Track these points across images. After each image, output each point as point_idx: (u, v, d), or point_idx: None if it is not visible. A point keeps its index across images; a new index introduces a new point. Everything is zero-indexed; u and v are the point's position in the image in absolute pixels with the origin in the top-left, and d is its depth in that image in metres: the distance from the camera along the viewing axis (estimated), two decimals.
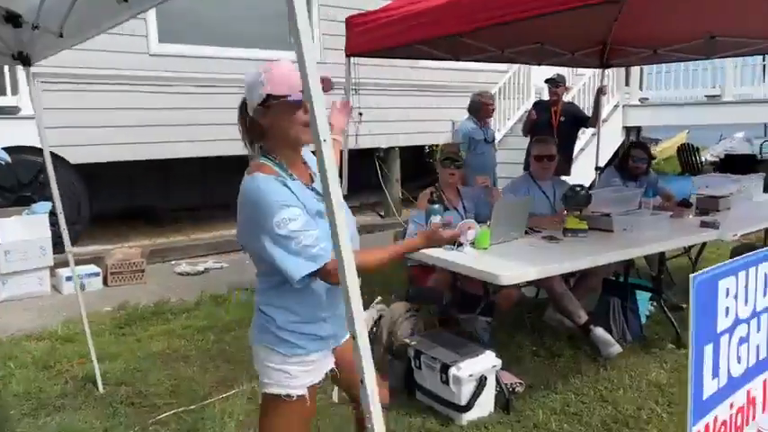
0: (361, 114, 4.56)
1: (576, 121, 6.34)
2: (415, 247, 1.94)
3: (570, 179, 7.43)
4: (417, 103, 8.84)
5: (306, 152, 1.91)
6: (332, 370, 1.92)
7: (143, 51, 6.81)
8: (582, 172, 8.36)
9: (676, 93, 10.28)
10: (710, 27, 5.13)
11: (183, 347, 4.13)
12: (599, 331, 3.86)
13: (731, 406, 1.46)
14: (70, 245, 3.61)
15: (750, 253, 1.50)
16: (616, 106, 9.28)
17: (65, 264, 5.65)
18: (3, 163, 5.23)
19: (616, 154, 9.93)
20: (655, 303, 4.67)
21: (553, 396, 3.29)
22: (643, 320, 4.28)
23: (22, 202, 5.89)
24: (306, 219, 1.69)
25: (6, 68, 6.01)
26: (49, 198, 6.14)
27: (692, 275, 1.34)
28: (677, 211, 4.44)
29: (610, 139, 9.23)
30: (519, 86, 9.86)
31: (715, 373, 1.38)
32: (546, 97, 6.69)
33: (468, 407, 2.96)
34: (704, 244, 4.60)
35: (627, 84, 10.18)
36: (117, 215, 7.91)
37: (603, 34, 5.64)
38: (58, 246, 6.18)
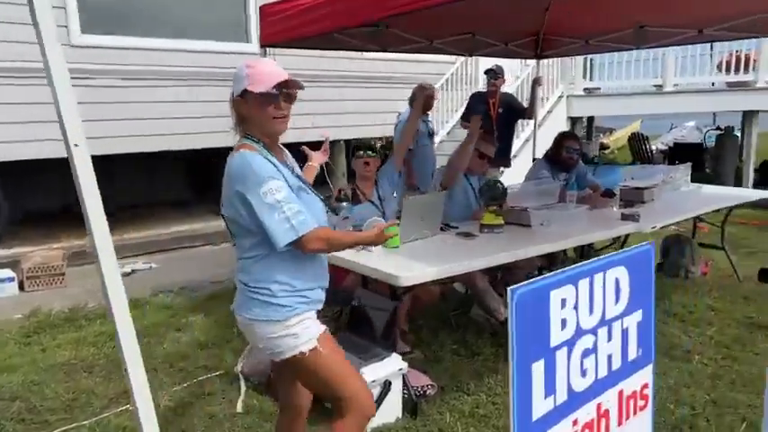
0: None
1: (514, 112, 6.27)
2: (368, 240, 2.15)
3: (513, 171, 7.44)
4: (364, 95, 8.68)
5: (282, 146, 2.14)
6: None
7: (64, 43, 6.48)
8: (527, 164, 8.35)
9: (626, 83, 10.33)
10: (639, 17, 5.10)
11: (90, 356, 3.91)
12: None
13: (575, 422, 1.35)
14: None
15: (593, 260, 1.40)
16: (560, 97, 9.28)
17: None
18: None
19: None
20: None
21: (465, 398, 3.20)
22: None
23: None
24: (288, 192, 1.89)
25: None
26: None
27: (510, 288, 1.22)
28: (601, 202, 4.41)
29: (554, 129, 9.19)
30: (467, 77, 9.78)
31: (550, 391, 1.28)
32: (483, 89, 6.61)
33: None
34: (627, 236, 4.57)
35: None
36: (49, 215, 7.57)
37: (536, 25, 5.58)
38: None
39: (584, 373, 1.36)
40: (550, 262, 4.24)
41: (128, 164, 7.46)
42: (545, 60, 8.93)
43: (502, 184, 3.66)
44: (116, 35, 6.74)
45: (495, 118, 6.08)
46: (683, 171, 5.03)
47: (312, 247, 1.91)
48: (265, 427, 2.95)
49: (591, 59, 10.91)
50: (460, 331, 4.08)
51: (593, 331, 1.38)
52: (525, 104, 6.54)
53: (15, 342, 4.17)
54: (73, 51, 6.53)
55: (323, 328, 2.05)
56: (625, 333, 1.48)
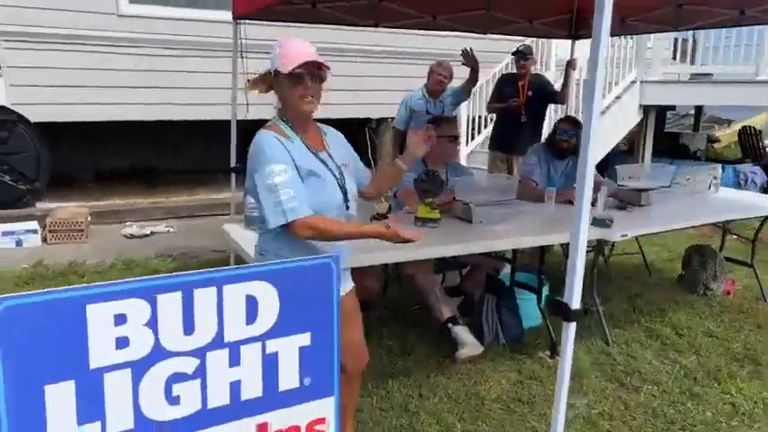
0: (249, 81, 4.27)
1: (546, 96, 5.77)
2: (373, 233, 2.08)
3: None
4: (409, 71, 8.39)
5: (329, 128, 2.23)
6: None
7: (111, 12, 6.82)
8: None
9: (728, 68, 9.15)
10: None
11: None
12: (457, 330, 3.51)
13: None
14: None
15: (199, 272, 1.19)
16: (633, 82, 8.42)
17: (12, 220, 5.91)
18: None
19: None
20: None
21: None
22: (537, 322, 3.87)
23: None
24: (289, 176, 1.92)
25: None
26: (12, 153, 6.44)
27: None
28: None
29: (621, 118, 8.43)
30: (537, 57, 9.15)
31: (91, 416, 1.10)
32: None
33: None
34: (612, 244, 4.08)
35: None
36: (94, 176, 8.12)
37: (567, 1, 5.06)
38: (20, 202, 6.51)
39: (174, 400, 1.17)
40: (511, 262, 3.88)
41: (185, 131, 7.76)
42: (617, 40, 8.20)
43: (439, 175, 3.35)
44: (162, 5, 6.97)
45: (524, 102, 5.62)
46: (708, 173, 4.38)
47: (301, 234, 1.94)
48: None
49: (694, 41, 9.84)
50: (416, 327, 3.86)
51: (196, 354, 1.19)
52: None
53: None
54: (121, 21, 6.86)
55: None
56: (271, 358, 1.26)
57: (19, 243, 5.60)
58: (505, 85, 5.76)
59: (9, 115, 6.30)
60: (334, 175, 2.11)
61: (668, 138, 12.85)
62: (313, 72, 1.98)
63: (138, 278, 1.13)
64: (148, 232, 6.25)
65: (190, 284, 1.17)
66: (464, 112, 8.26)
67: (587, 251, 3.98)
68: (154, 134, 7.88)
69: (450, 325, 3.53)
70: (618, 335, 3.84)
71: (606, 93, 8.22)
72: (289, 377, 1.30)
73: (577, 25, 5.42)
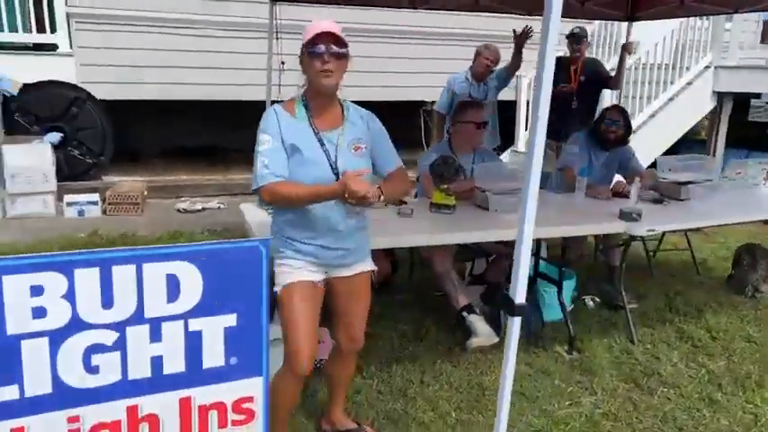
0: (283, 63, 4.30)
1: (598, 81, 5.51)
2: (329, 193, 2.02)
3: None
4: (463, 53, 8.21)
5: (357, 109, 2.25)
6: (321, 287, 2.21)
7: None
8: (649, 144, 7.33)
9: None
10: None
11: None
12: (471, 318, 3.47)
13: (73, 419, 1.24)
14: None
15: (119, 249, 1.23)
16: (707, 67, 7.88)
17: (77, 191, 6.32)
18: (7, 94, 5.83)
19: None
20: (596, 298, 4.11)
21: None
22: (560, 315, 3.77)
23: (56, 131, 6.57)
24: (270, 146, 2.05)
25: (46, 8, 6.61)
26: (81, 129, 6.85)
27: None
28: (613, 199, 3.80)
29: (692, 106, 7.94)
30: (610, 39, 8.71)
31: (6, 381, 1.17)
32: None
33: None
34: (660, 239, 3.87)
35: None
36: (160, 153, 8.50)
37: None
38: (87, 174, 6.94)
39: (93, 370, 1.23)
40: (536, 251, 3.78)
41: (245, 110, 7.99)
42: (692, 21, 7.68)
43: (455, 161, 3.30)
44: None
45: (576, 86, 5.40)
46: (761, 166, 4.07)
47: (264, 199, 2.08)
48: None
49: None
50: (434, 313, 3.85)
51: (115, 327, 1.24)
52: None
53: None
54: (183, 2, 7.11)
55: (297, 280, 2.14)
56: (194, 336, 1.30)
57: (81, 213, 5.99)
58: (557, 68, 5.52)
59: (79, 93, 6.69)
60: (327, 155, 2.12)
61: (753, 127, 12.01)
62: (330, 47, 2.01)
63: (56, 253, 1.20)
64: (200, 208, 6.52)
65: (108, 261, 1.23)
66: (524, 96, 8.04)
67: (620, 245, 3.84)
68: (218, 113, 8.16)
69: (464, 313, 3.49)
70: (646, 334, 3.68)
71: (676, 78, 7.78)
72: (213, 355, 1.35)
73: (634, 6, 5.15)
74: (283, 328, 2.15)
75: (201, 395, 1.36)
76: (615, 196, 3.88)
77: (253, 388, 1.41)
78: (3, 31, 6.57)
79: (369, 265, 2.33)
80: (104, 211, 6.14)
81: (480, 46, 5.31)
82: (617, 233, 3.55)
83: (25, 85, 6.39)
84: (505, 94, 7.78)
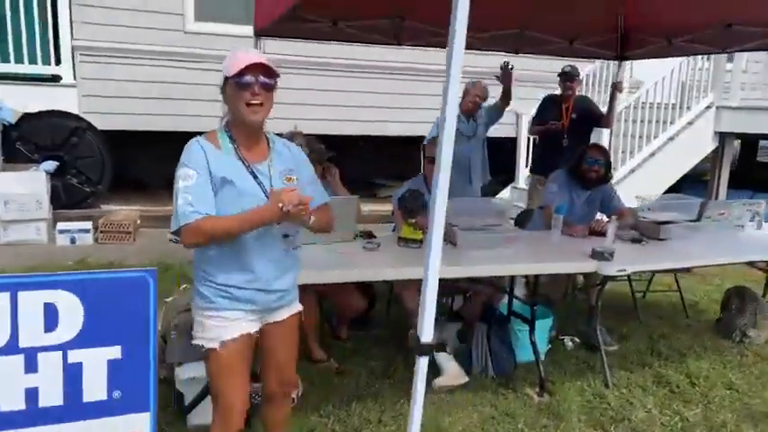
0: None
1: (590, 119, 5.49)
2: (264, 216, 1.93)
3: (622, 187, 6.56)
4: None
5: (284, 143, 2.18)
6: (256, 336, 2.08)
7: (178, 29, 7.25)
8: (648, 182, 7.25)
9: None
10: (723, 12, 4.16)
11: None
12: (440, 357, 3.40)
13: None
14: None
15: None
16: (708, 107, 7.82)
17: (72, 219, 6.38)
18: (6, 123, 5.95)
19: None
20: (575, 339, 4.00)
21: (311, 419, 2.96)
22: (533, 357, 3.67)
23: (55, 159, 6.68)
24: (194, 182, 1.89)
25: (52, 41, 6.80)
26: (80, 158, 6.96)
27: None
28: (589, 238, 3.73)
29: (694, 145, 7.86)
30: (609, 79, 8.73)
31: None
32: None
33: (190, 410, 2.79)
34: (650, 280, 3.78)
35: None
36: (164, 182, 8.56)
37: (608, 19, 4.83)
38: (85, 202, 7.01)
39: None
40: (509, 290, 3.71)
41: None
42: (692, 61, 7.65)
43: (422, 195, 3.27)
44: (222, 23, 7.32)
45: (567, 124, 5.39)
46: (746, 208, 3.98)
47: (188, 241, 1.90)
48: None
49: None
50: (401, 351, 3.77)
51: None
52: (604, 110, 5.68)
53: None
54: (186, 37, 7.28)
55: (238, 335, 1.99)
56: (75, 367, 1.26)
57: (73, 241, 6.03)
58: (549, 106, 5.53)
59: (80, 123, 6.83)
60: (262, 187, 2.01)
61: (762, 169, 11.85)
62: (260, 77, 1.92)
63: None
64: None
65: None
66: (524, 133, 8.02)
67: (596, 284, 3.75)
68: None
69: (433, 351, 3.41)
70: (622, 377, 3.56)
71: (677, 117, 7.73)
72: (95, 389, 1.31)
73: (625, 46, 5.15)
74: (214, 384, 2.03)
75: (82, 430, 1.32)
76: (593, 235, 3.81)
77: (139, 423, 1.37)
78: (9, 62, 6.76)
79: (298, 307, 2.24)
80: (96, 240, 6.18)
81: (468, 83, 5.33)
82: (595, 272, 3.48)
83: (27, 115, 6.54)
84: (506, 131, 7.83)
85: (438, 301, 4.12)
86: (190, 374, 2.75)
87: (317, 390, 3.23)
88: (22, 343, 1.28)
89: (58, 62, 6.86)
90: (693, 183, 9.03)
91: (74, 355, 1.31)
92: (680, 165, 7.76)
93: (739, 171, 11.39)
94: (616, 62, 7.44)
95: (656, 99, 7.75)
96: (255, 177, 2.02)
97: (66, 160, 6.77)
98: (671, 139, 7.71)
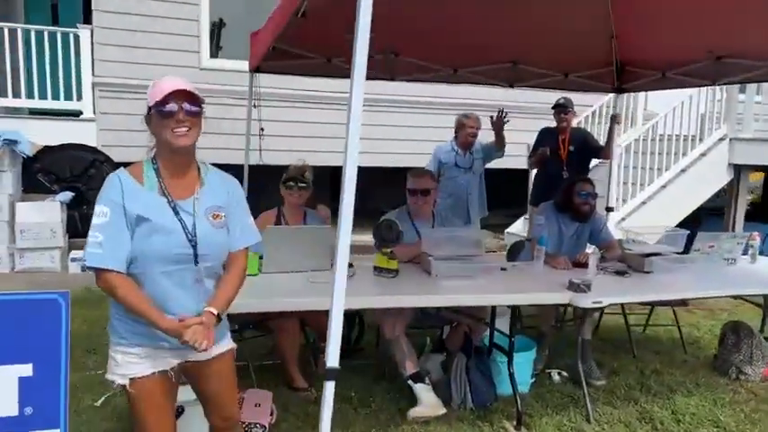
0: (262, 130, 4.49)
1: (588, 150, 5.49)
2: (157, 324, 1.89)
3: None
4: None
5: (221, 176, 2.12)
6: (170, 372, 2.01)
7: (195, 65, 7.55)
8: (658, 215, 7.15)
9: None
10: (711, 44, 4.17)
11: (88, 332, 4.52)
12: (417, 387, 3.39)
13: None
14: None
15: None
16: (721, 139, 7.71)
17: (81, 248, 6.59)
18: (24, 155, 6.24)
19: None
20: (562, 372, 3.95)
21: None
22: (522, 388, 3.63)
23: (74, 191, 6.94)
24: (107, 220, 1.84)
25: (74, 78, 7.14)
26: (97, 189, 7.20)
27: None
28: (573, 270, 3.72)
29: (707, 177, 7.74)
30: (622, 111, 8.71)
31: None
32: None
33: None
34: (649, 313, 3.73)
35: None
36: None
37: (602, 51, 4.87)
38: None
39: None
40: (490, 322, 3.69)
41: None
42: (708, 93, 7.59)
43: (397, 225, 3.31)
44: (233, 59, 7.58)
45: (564, 156, 5.40)
46: (737, 241, 3.91)
47: (100, 285, 1.88)
48: None
49: None
50: (382, 382, 3.78)
51: None
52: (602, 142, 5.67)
53: None
54: (201, 73, 7.57)
55: (149, 372, 1.95)
56: None
57: (83, 269, 6.21)
58: (545, 139, 5.54)
59: (97, 155, 7.11)
60: (184, 226, 1.94)
61: None
62: (183, 104, 1.91)
63: None
64: None
65: None
66: None
67: (578, 317, 3.72)
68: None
69: (410, 382, 3.42)
70: (606, 413, 3.48)
71: (689, 149, 7.64)
72: (6, 404, 1.38)
73: (620, 78, 5.17)
74: (134, 419, 1.99)
75: None
76: (577, 267, 3.79)
77: None
78: (33, 98, 7.12)
79: (228, 344, 2.16)
80: None
81: (461, 116, 5.41)
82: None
83: (48, 148, 6.84)
84: (518, 163, 7.82)
85: (425, 332, 4.16)
86: None
87: (291, 417, 3.26)
88: None
89: (79, 98, 7.20)
90: (710, 216, 8.87)
91: None
92: (693, 197, 7.65)
93: (764, 203, 11.13)
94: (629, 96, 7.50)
95: (668, 131, 7.70)
96: (177, 213, 1.95)
97: (84, 191, 7.03)
98: (683, 171, 7.62)
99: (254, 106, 4.44)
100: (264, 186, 4.41)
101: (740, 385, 3.90)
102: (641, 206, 7.41)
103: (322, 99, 7.57)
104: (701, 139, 7.68)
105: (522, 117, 8.20)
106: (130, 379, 1.92)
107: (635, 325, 4.87)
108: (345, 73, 4.61)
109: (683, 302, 4.41)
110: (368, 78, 4.99)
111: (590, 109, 8.37)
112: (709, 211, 9.00)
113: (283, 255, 3.24)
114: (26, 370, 1.41)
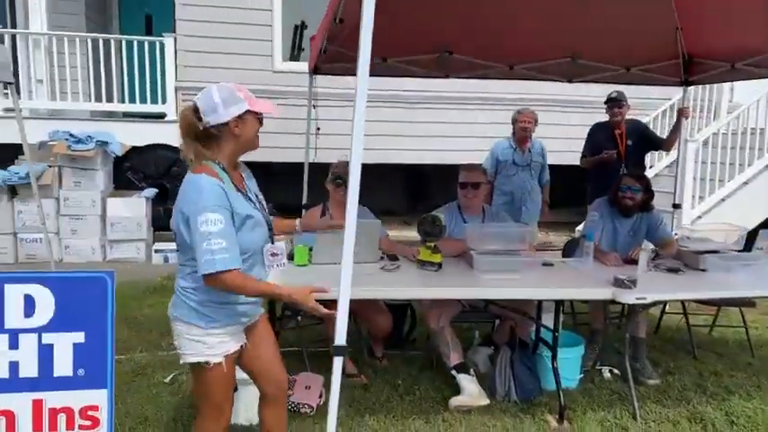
0: (318, 129, 4.66)
1: (647, 143, 5.33)
2: (280, 295, 2.19)
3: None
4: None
5: (244, 167, 2.33)
6: (245, 344, 2.27)
7: (268, 69, 7.92)
8: (738, 214, 6.80)
9: None
10: None
11: (150, 316, 4.92)
12: (460, 377, 3.49)
13: None
14: None
15: None
16: None
17: (167, 240, 7.10)
18: (113, 155, 6.79)
19: None
20: (614, 369, 3.92)
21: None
22: (569, 384, 3.65)
23: (159, 187, 7.50)
24: (224, 226, 1.99)
25: (159, 82, 7.69)
26: (179, 185, 7.71)
27: None
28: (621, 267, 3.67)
29: None
30: (704, 103, 8.35)
31: None
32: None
33: None
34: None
35: None
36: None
37: (667, 45, 4.74)
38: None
39: None
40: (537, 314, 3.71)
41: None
42: None
43: (440, 220, 3.40)
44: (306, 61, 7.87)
45: (623, 151, 5.25)
46: None
47: (221, 284, 2.01)
48: None
49: None
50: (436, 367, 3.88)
51: None
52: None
53: (126, 296, 5.43)
54: (275, 76, 7.93)
55: (236, 347, 2.20)
56: (47, 348, 1.56)
57: (166, 259, 6.73)
58: (599, 134, 5.34)
59: (180, 155, 7.61)
60: (262, 213, 2.22)
61: None
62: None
63: None
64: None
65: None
66: None
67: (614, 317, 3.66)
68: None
69: (454, 372, 3.52)
70: (654, 411, 3.43)
71: (756, 157, 7.17)
72: (63, 366, 1.61)
73: (688, 71, 4.99)
74: (212, 395, 2.18)
75: (52, 399, 1.63)
76: (629, 263, 3.74)
77: (98, 398, 1.66)
78: (124, 102, 7.75)
79: (260, 308, 2.38)
80: None
81: (514, 112, 5.39)
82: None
83: (137, 148, 7.42)
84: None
85: (475, 326, 4.21)
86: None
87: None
88: (7, 325, 1.62)
89: (164, 101, 7.74)
90: None
91: (47, 338, 1.63)
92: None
93: None
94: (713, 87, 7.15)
95: (752, 124, 7.30)
96: (252, 202, 2.19)
97: (169, 188, 7.57)
98: (767, 167, 7.19)
99: (314, 107, 4.65)
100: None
101: None
102: (720, 203, 7.07)
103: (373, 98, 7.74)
104: None
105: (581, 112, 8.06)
106: (225, 356, 2.14)
107: (701, 325, 4.71)
108: (401, 72, 4.82)
109: (751, 303, 4.23)
110: (422, 77, 5.12)
111: (668, 102, 8.05)
112: None
113: (332, 247, 3.40)
114: (79, 337, 1.66)
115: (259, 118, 2.17)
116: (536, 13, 4.20)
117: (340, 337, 1.73)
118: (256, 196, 2.29)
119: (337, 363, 1.79)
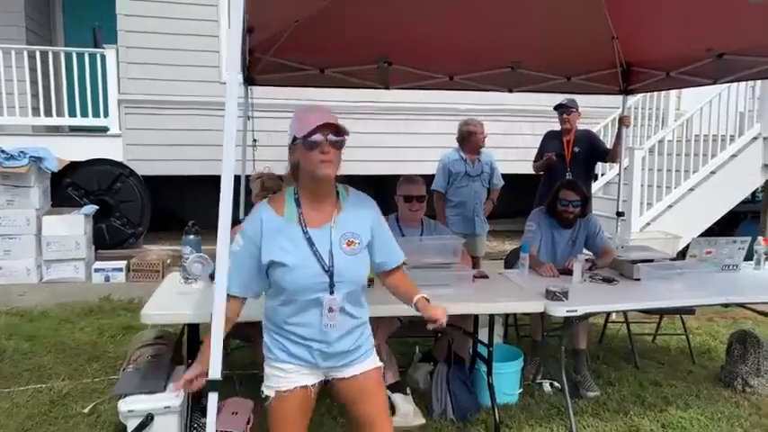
0: (255, 141, 4.54)
1: (594, 152, 5.33)
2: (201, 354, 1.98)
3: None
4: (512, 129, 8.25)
5: (355, 197, 2.14)
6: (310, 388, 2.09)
7: (215, 80, 7.75)
8: (689, 221, 6.88)
9: None
10: (711, 41, 4.02)
11: (94, 343, 4.67)
12: (395, 396, 3.37)
13: None
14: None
15: None
16: (755, 138, 7.33)
17: (108, 258, 6.86)
18: (48, 171, 6.53)
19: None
20: (554, 383, 3.85)
21: None
22: (509, 399, 3.57)
23: (101, 203, 7.23)
24: (239, 250, 1.99)
25: (101, 95, 7.45)
26: (123, 202, 7.47)
27: None
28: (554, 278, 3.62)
29: (740, 177, 7.38)
30: (653, 111, 8.44)
31: None
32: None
33: None
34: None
35: None
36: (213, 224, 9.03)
37: (605, 55, 4.74)
38: (126, 243, 7.49)
39: None
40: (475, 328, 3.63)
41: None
42: (734, 89, 7.26)
43: None
44: None
45: (568, 159, 5.25)
46: (738, 247, 3.72)
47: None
48: None
49: None
50: None
51: None
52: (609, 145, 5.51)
53: (59, 319, 5.18)
54: (223, 87, 7.75)
55: (293, 387, 2.03)
56: None
57: (107, 279, 6.48)
58: (549, 141, 5.37)
59: (123, 169, 7.39)
60: (319, 257, 1.98)
61: None
62: (329, 136, 1.92)
63: None
64: None
65: None
66: None
67: (555, 329, 3.62)
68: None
69: (388, 391, 3.39)
70: (592, 425, 3.37)
71: (718, 150, 7.31)
72: None
73: (628, 79, 5.01)
74: (269, 428, 2.08)
75: None
76: (565, 274, 3.69)
77: None
78: (64, 116, 7.49)
79: (373, 363, 2.17)
80: (128, 278, 6.60)
81: (461, 123, 5.33)
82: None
83: (77, 163, 7.16)
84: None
85: (415, 342, 4.11)
86: (130, 407, 2.89)
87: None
88: None
89: (105, 115, 7.50)
90: (748, 221, 8.46)
91: None
92: (724, 201, 7.30)
93: None
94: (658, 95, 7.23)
95: (696, 131, 7.41)
96: (312, 245, 1.99)
97: (111, 204, 7.32)
98: (713, 173, 7.29)
99: (248, 117, 4.52)
100: None
101: (745, 398, 3.71)
102: (667, 210, 7.13)
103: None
104: (731, 139, 7.34)
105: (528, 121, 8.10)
106: (276, 392, 2.02)
107: (645, 334, 4.71)
108: (339, 83, 4.72)
109: (690, 310, 4.22)
110: (361, 87, 5.03)
111: (618, 110, 8.12)
112: (752, 215, 8.60)
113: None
114: None
115: (315, 145, 1.90)
116: (475, 23, 4.15)
117: (213, 371, 1.60)
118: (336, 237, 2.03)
119: (211, 398, 1.65)
